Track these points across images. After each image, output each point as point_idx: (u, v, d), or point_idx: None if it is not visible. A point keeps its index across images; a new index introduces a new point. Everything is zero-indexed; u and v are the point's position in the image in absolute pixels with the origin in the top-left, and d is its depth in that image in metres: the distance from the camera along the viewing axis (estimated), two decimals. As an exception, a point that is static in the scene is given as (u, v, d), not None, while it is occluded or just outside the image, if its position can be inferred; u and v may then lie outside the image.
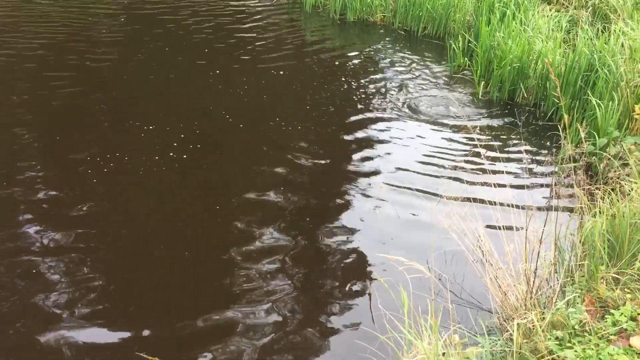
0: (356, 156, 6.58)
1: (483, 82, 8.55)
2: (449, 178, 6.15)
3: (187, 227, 5.22)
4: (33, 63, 8.40)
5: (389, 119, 7.54)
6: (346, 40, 10.54)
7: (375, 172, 6.26)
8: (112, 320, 4.25)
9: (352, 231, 5.29)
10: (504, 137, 7.24)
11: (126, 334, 4.10)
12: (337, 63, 9.36)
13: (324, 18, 11.43)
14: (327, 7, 11.60)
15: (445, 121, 7.59)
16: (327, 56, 9.62)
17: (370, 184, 6.04)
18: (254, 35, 10.26)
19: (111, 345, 4.03)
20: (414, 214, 5.54)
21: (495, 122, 7.64)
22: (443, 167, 6.43)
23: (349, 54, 9.77)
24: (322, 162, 6.42)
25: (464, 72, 9.20)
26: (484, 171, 6.23)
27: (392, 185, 6.02)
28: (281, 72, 8.78)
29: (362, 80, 8.68)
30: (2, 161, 5.99)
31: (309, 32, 10.84)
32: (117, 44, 9.39)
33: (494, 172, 6.22)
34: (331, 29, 11.00)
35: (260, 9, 11.58)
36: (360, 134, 7.10)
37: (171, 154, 6.26)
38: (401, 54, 9.90)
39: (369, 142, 6.91)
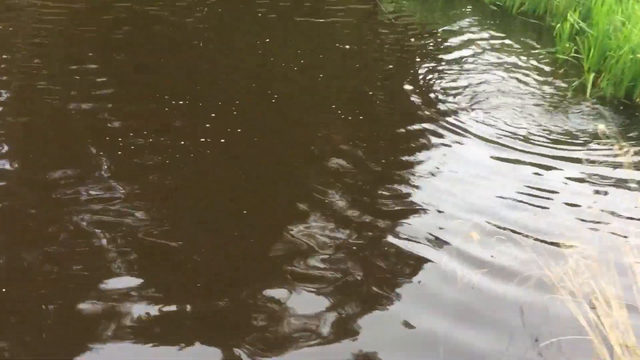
0: (419, 182, 4.44)
1: (593, 75, 6.29)
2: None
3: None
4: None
5: (468, 128, 5.23)
6: (426, 16, 8.39)
7: (454, 214, 4.06)
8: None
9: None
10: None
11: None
12: (410, 41, 7.29)
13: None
14: (409, -25, 9.43)
15: (546, 133, 5.29)
16: (400, 34, 7.54)
17: (449, 230, 3.90)
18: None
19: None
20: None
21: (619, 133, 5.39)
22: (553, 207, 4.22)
23: (428, 33, 7.64)
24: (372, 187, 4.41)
25: (568, 60, 6.95)
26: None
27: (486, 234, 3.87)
28: (343, 47, 6.83)
29: (439, 69, 6.55)
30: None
31: (385, 3, 8.76)
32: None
33: None
34: (411, 2, 8.86)
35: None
36: (424, 150, 4.89)
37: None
38: (491, 35, 7.67)
39: (436, 163, 4.71)
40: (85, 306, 3.10)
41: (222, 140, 4.73)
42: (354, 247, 3.70)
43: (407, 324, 3.17)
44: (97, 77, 5.55)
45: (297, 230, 3.78)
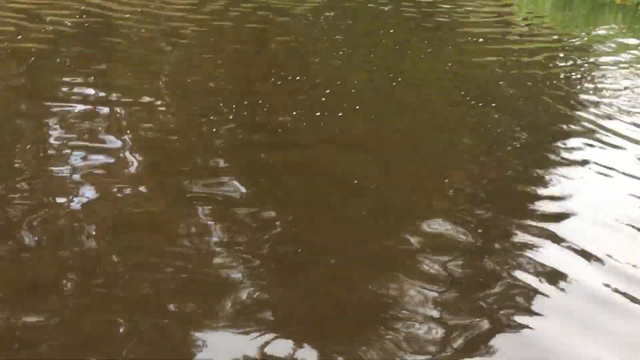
0: (570, 191, 3.67)
1: None
2: None
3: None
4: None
5: (626, 135, 4.41)
6: (569, 23, 7.57)
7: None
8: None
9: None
10: None
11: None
12: (551, 46, 6.49)
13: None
14: (551, -21, 8.64)
15: None
16: (537, 41, 6.75)
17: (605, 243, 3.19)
18: (450, 6, 7.69)
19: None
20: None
21: None
22: None
23: (569, 41, 6.80)
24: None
25: None
26: None
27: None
28: (470, 48, 6.17)
29: (585, 73, 5.73)
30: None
31: (522, 9, 8.02)
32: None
33: None
34: (552, 7, 8.07)
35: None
36: (574, 157, 4.08)
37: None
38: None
39: (588, 171, 3.92)
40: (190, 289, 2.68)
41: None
42: (489, 257, 3.04)
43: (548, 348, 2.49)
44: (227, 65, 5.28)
45: (419, 231, 3.17)
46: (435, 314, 2.64)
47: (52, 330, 2.41)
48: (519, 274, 2.94)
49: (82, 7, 6.33)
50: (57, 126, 3.93)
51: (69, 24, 5.91)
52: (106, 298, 2.59)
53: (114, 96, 4.44)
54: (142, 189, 3.36)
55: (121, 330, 2.43)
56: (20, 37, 5.38)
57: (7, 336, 2.34)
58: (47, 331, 2.40)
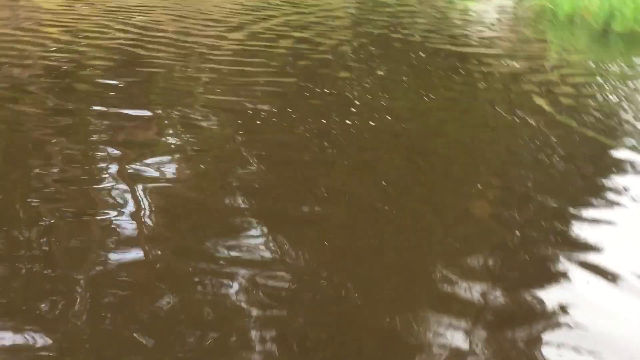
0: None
1: None
2: None
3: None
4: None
5: None
6: (604, 57, 7.38)
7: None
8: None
9: None
10: None
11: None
12: (587, 78, 6.28)
13: (580, 29, 8.35)
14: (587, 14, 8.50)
15: None
16: (572, 73, 6.49)
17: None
18: (482, 51, 7.50)
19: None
20: None
21: None
22: None
23: (604, 74, 6.56)
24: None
25: None
26: None
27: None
28: (509, 78, 6.00)
29: (619, 112, 5.35)
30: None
31: (556, 44, 7.87)
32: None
33: None
34: (586, 43, 7.91)
35: (499, 18, 8.85)
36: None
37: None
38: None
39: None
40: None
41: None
42: (526, 289, 2.81)
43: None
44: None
45: (450, 258, 2.97)
46: (464, 349, 2.44)
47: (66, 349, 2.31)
48: (559, 308, 2.72)
49: (118, 27, 6.39)
50: (83, 146, 3.87)
51: (104, 42, 5.95)
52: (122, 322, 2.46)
53: (141, 112, 4.41)
54: (169, 220, 3.24)
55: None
56: (53, 51, 5.43)
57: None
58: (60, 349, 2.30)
